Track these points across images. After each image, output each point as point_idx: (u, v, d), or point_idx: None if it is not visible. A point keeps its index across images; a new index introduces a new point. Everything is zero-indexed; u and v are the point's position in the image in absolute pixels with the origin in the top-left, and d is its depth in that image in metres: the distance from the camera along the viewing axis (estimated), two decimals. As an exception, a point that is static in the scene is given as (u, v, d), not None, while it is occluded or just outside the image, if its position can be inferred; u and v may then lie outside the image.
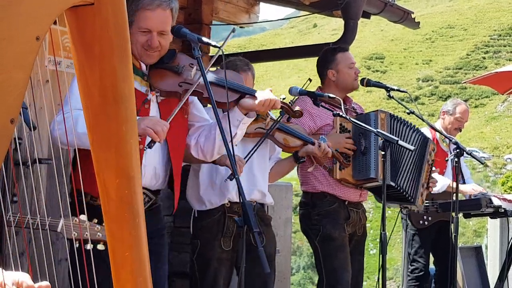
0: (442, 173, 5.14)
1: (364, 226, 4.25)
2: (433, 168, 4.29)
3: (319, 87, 4.23)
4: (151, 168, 2.90)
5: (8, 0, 0.95)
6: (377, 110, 4.03)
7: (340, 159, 3.82)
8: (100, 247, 2.39)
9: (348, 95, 4.26)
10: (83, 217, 2.38)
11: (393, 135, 3.87)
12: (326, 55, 4.22)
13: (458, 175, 4.26)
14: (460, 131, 5.46)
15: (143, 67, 2.90)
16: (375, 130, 3.65)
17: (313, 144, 3.68)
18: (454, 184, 4.37)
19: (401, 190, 4.02)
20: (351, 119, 3.74)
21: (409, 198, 4.09)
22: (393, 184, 3.94)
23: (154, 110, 2.89)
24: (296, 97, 3.76)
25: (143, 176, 2.87)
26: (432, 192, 4.64)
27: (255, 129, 3.49)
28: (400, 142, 3.57)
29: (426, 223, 5.14)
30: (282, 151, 3.83)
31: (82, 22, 1.04)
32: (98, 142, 1.09)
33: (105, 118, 1.07)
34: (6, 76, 0.97)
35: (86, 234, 2.35)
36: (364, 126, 3.69)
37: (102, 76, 1.05)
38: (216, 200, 3.47)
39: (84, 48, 1.05)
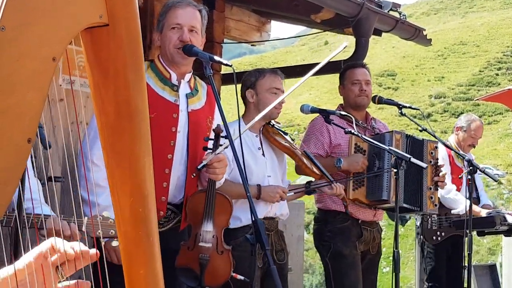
0: (458, 190, 5.10)
1: (379, 245, 4.21)
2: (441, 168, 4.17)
3: (340, 104, 4.23)
4: (175, 179, 2.89)
5: (23, 21, 0.95)
6: (392, 131, 4.02)
7: (348, 203, 3.76)
8: (115, 243, 2.39)
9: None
10: (106, 213, 2.37)
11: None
12: (341, 72, 4.25)
13: (471, 193, 4.22)
14: (474, 147, 5.40)
15: (173, 78, 2.91)
16: (387, 148, 3.63)
17: (329, 182, 3.62)
18: (468, 202, 4.33)
19: (408, 208, 4.00)
20: (364, 137, 3.73)
21: (414, 209, 4.06)
22: (406, 205, 3.91)
23: (183, 119, 2.90)
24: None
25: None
26: (453, 212, 4.64)
27: (284, 142, 3.58)
28: (413, 160, 3.55)
29: (439, 238, 5.11)
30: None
31: (97, 43, 1.05)
32: (112, 160, 1.10)
33: (119, 135, 1.08)
34: (21, 97, 0.97)
35: (112, 232, 2.34)
36: (376, 144, 3.68)
37: (116, 93, 1.06)
38: None
39: (99, 68, 1.06)
